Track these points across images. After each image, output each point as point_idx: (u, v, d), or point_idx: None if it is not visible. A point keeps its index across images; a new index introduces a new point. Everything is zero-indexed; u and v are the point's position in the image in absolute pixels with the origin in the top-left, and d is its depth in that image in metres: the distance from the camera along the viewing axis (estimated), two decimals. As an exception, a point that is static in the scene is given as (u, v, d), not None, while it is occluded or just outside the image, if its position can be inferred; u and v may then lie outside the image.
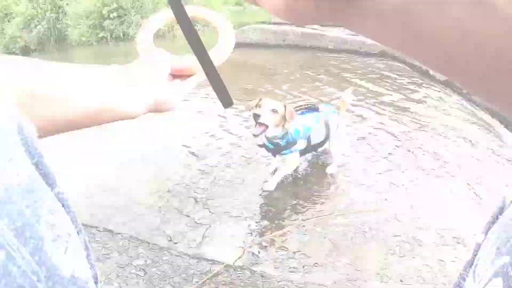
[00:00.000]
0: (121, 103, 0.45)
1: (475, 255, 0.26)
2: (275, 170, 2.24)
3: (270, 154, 2.20)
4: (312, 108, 2.19)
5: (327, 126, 2.18)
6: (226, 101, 0.49)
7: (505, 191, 0.27)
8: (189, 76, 0.58)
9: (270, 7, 0.24)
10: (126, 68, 0.50)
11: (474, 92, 0.21)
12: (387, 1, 0.19)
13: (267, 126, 1.88)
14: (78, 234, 0.26)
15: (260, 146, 2.10)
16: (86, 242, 0.27)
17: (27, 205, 0.20)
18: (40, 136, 0.35)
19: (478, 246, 0.26)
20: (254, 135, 1.94)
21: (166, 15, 0.60)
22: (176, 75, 0.58)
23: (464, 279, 0.27)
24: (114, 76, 0.46)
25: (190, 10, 0.47)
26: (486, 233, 0.25)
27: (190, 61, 0.55)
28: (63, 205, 0.25)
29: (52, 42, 8.56)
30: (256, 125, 1.90)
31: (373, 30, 0.21)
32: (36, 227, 0.20)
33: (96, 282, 0.26)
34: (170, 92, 0.53)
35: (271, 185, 2.17)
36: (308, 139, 2.12)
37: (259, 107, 1.88)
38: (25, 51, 8.46)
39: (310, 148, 2.18)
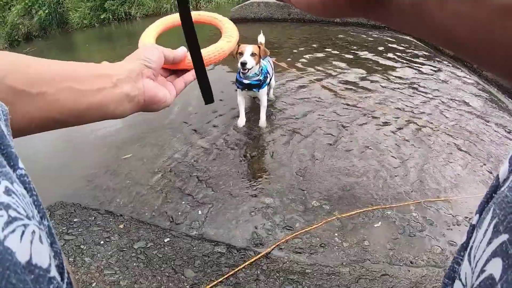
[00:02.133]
0: (108, 103, 0.44)
1: (470, 238, 0.25)
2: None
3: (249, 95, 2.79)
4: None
5: (269, 65, 2.79)
6: (208, 99, 0.55)
7: (499, 170, 0.25)
8: (184, 71, 0.56)
9: (304, 4, 0.25)
10: (115, 65, 0.47)
11: (481, 66, 0.24)
12: (405, 1, 0.22)
13: (250, 68, 2.42)
14: (42, 219, 0.25)
15: (242, 89, 2.58)
16: (51, 228, 0.26)
17: None
18: (24, 134, 0.37)
19: (473, 227, 0.26)
20: (243, 73, 2.44)
21: (169, 20, 0.64)
22: (172, 71, 0.56)
23: (459, 263, 0.27)
24: (102, 74, 0.44)
25: (197, 15, 0.54)
26: (481, 214, 0.25)
27: (183, 51, 0.54)
28: (25, 188, 0.24)
29: (54, 27, 8.41)
30: (240, 69, 2.43)
31: (396, 22, 0.24)
32: None
33: (61, 273, 0.25)
34: (162, 89, 0.51)
35: (262, 123, 2.66)
36: (270, 74, 2.76)
37: (242, 54, 2.36)
38: (28, 38, 8.36)
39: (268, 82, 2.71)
